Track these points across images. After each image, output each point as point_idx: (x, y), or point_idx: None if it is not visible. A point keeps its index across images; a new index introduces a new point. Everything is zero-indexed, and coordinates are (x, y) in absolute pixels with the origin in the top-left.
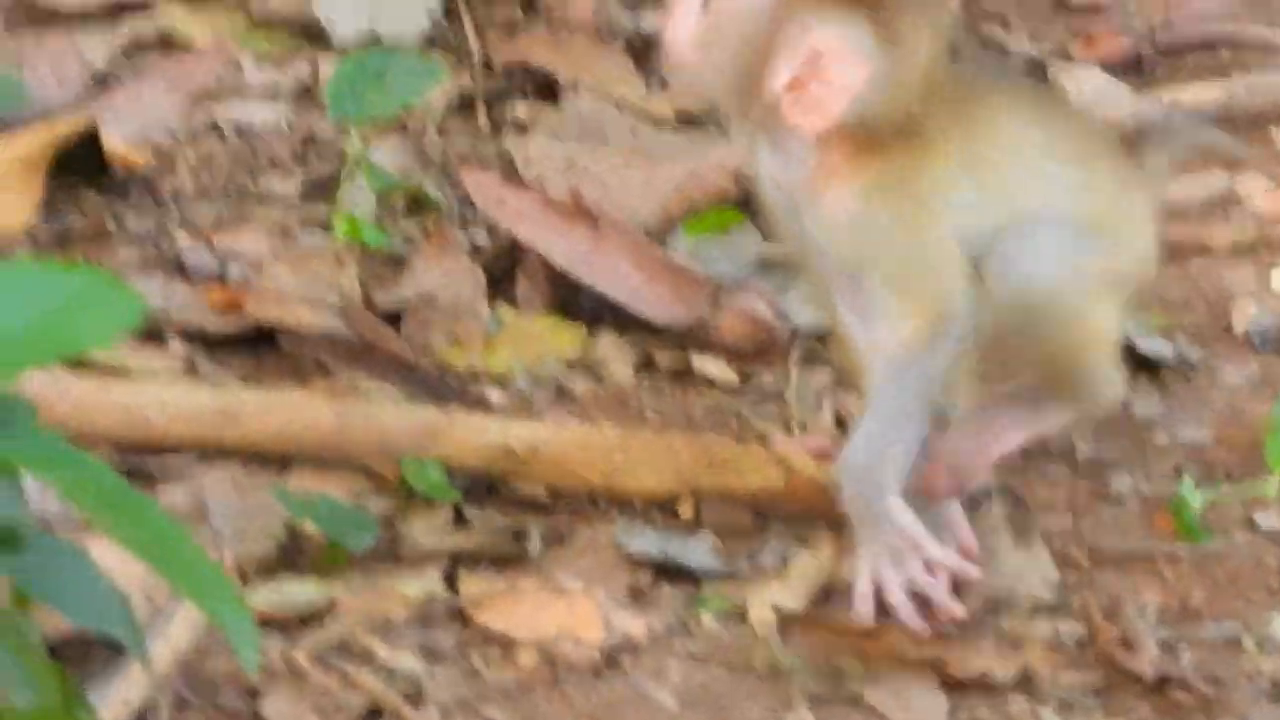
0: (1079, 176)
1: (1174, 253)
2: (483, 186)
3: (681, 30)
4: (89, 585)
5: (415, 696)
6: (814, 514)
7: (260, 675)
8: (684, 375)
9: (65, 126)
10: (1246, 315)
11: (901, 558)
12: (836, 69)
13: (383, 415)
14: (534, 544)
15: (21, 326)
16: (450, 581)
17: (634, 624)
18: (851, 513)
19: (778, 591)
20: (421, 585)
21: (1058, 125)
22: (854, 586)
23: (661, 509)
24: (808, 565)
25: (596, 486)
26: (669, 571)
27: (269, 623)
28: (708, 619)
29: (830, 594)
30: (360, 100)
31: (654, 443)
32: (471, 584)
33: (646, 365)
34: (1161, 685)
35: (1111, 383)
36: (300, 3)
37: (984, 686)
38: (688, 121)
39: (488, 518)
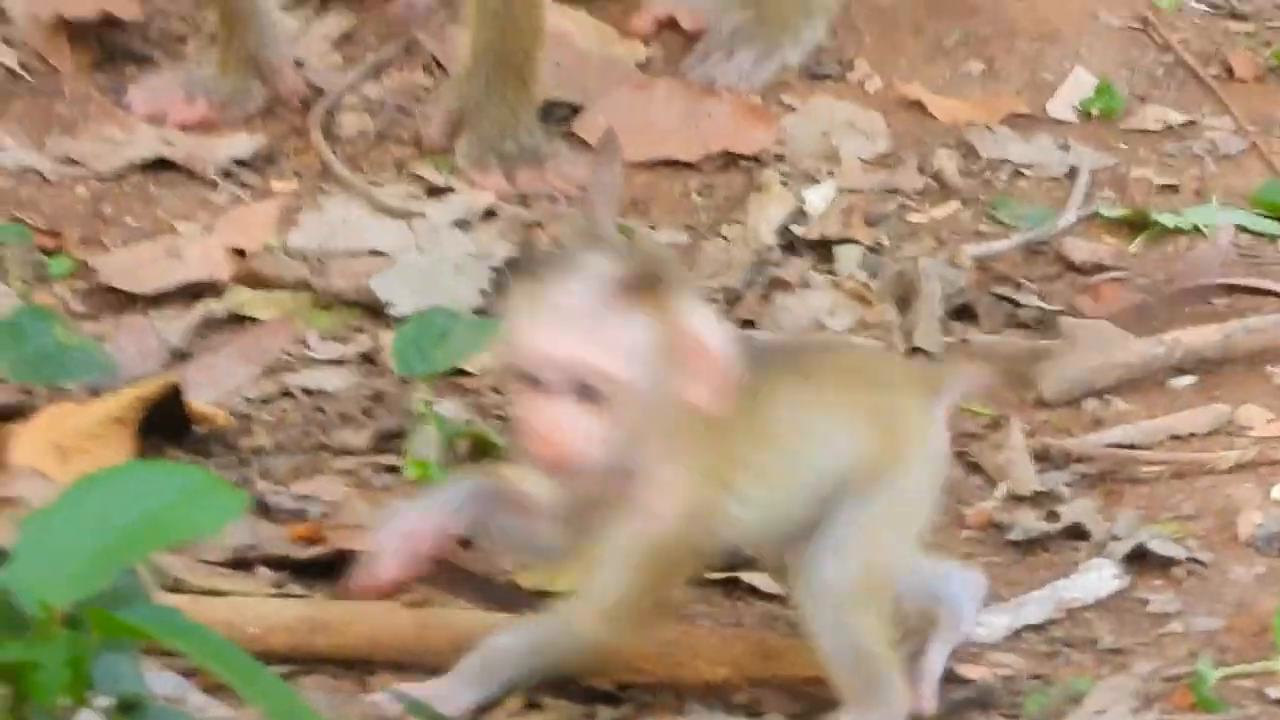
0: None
1: (1183, 473)
2: None
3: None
4: None
5: None
6: None
7: None
8: (732, 588)
9: (152, 387)
10: (1252, 524)
11: None
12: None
13: (458, 621)
14: None
15: (139, 518)
16: None
17: None
18: None
19: None
20: None
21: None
22: None
23: (725, 702)
24: None
25: (661, 678)
26: None
27: None
28: None
29: None
30: (425, 357)
31: (710, 637)
32: None
33: (698, 580)
34: None
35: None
36: (360, 283)
37: None
38: None
39: (560, 706)
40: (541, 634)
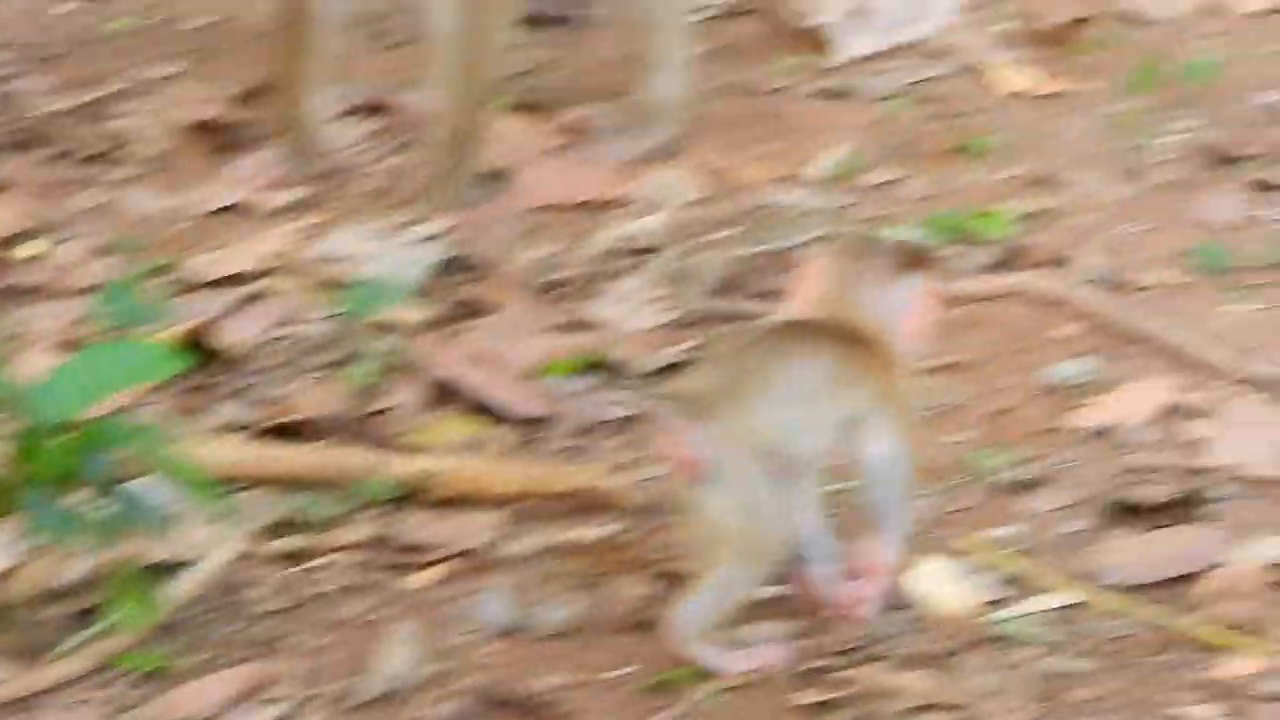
0: None
1: None
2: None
3: None
4: (150, 515)
5: None
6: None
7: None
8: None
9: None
10: None
11: None
12: None
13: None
14: None
15: (112, 371)
16: None
17: None
18: None
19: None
20: None
21: None
22: None
23: None
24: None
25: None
26: None
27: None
28: None
29: None
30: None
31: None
32: None
33: (518, 442)
34: None
35: None
36: (345, 273)
37: None
38: (574, 327)
39: None
40: None
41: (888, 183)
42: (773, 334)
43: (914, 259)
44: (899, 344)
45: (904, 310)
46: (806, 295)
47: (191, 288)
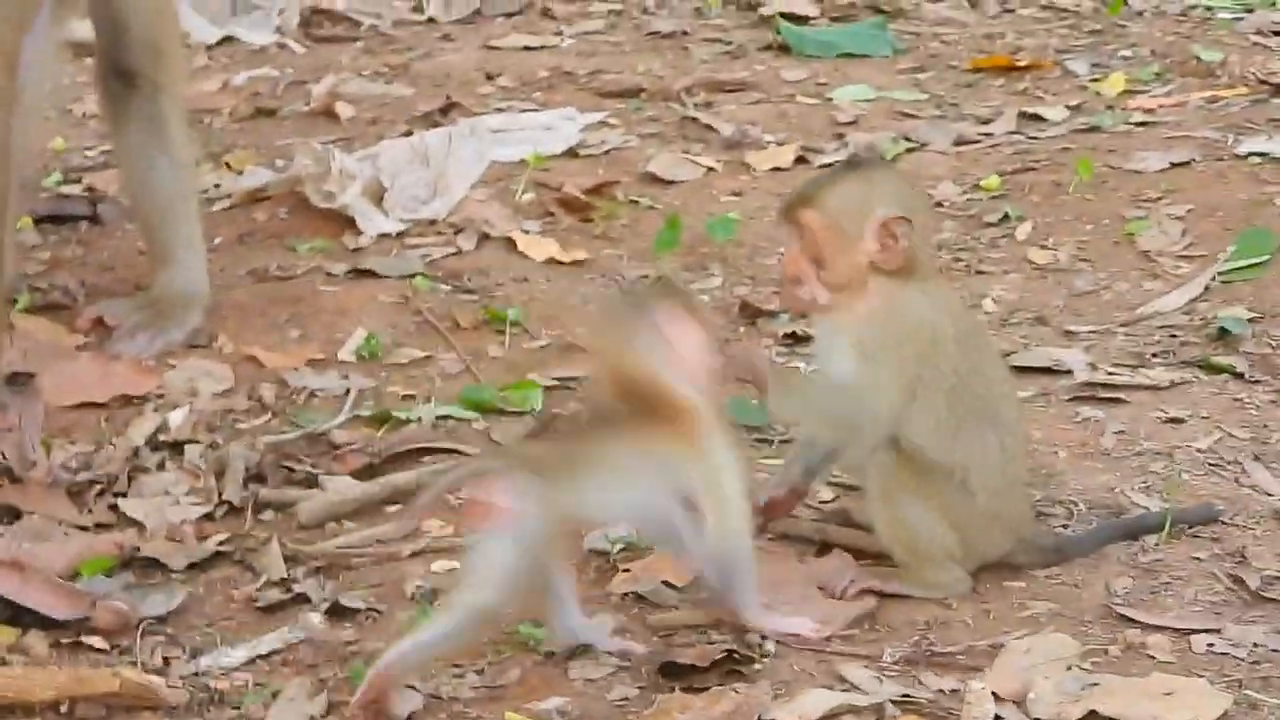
0: None
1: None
2: None
3: None
4: None
5: None
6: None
7: None
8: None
9: None
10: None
11: None
12: None
13: None
14: None
15: None
16: None
17: None
18: None
19: None
20: None
21: None
22: None
23: None
24: None
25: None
26: None
27: None
28: None
29: None
30: None
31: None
32: None
33: (56, 644)
34: None
35: None
36: None
37: None
38: (109, 525)
39: None
40: None
41: (418, 360)
42: (586, 425)
43: (658, 296)
44: (688, 388)
45: (674, 348)
46: (591, 369)
47: None
